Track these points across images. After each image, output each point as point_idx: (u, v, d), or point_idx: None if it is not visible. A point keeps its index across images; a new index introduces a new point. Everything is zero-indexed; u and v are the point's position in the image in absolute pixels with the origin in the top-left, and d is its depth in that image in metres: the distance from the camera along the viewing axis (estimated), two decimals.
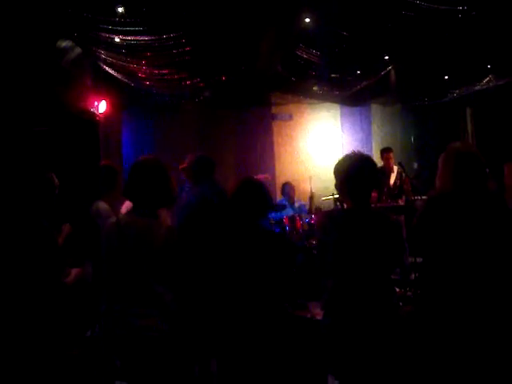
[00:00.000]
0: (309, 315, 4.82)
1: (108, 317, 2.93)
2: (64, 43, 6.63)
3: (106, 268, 2.98)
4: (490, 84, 9.06)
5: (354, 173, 2.92)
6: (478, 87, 9.33)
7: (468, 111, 11.22)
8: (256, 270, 3.04)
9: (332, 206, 8.22)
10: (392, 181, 7.52)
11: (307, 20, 6.43)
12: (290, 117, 9.99)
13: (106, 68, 7.21)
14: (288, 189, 8.03)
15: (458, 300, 2.86)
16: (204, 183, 4.68)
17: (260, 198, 3.18)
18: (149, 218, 2.94)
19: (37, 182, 3.47)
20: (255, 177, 3.83)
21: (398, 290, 4.66)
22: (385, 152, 7.77)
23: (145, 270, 2.85)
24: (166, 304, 2.88)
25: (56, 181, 3.62)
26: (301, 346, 3.89)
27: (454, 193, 2.96)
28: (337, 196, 7.99)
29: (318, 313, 4.93)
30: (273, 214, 6.89)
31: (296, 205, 7.93)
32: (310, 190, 8.04)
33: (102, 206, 4.36)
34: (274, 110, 9.92)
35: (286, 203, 7.70)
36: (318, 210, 7.53)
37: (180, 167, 5.02)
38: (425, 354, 2.99)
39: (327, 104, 10.04)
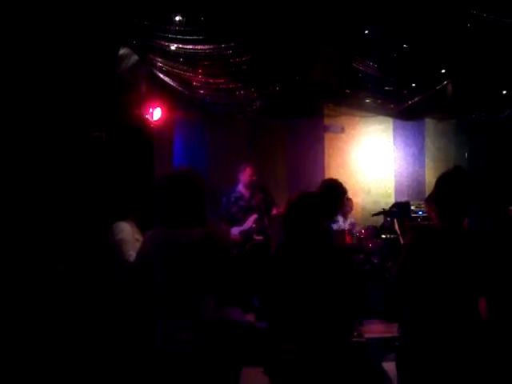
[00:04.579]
0: (364, 339, 4.65)
1: (149, 329, 2.95)
2: (122, 51, 6.73)
3: (144, 277, 3.03)
4: None
5: (444, 191, 2.78)
6: None
7: None
8: (324, 288, 2.90)
9: (382, 222, 8.09)
10: None
11: (366, 31, 6.33)
12: (342, 129, 9.85)
13: (161, 76, 7.27)
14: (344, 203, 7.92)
15: None
16: None
17: (321, 210, 3.08)
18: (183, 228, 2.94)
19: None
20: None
21: None
22: None
23: (182, 275, 2.84)
24: (201, 315, 2.84)
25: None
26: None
27: None
28: (387, 211, 7.85)
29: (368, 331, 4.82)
30: None
31: (348, 221, 7.86)
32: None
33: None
34: (326, 121, 9.81)
35: (340, 216, 7.61)
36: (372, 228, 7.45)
37: None
38: None
39: (380, 117, 9.86)
